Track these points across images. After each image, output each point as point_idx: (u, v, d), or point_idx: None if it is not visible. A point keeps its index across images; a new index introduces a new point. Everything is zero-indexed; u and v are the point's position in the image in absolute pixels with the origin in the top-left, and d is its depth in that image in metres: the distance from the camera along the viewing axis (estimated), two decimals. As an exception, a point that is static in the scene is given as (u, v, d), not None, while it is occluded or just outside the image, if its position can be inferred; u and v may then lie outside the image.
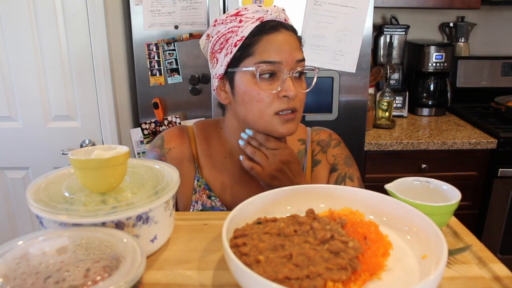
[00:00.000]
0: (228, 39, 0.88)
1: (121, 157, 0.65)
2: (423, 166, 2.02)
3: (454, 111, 2.45)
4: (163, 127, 1.85)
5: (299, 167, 0.93)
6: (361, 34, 1.75)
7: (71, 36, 1.75)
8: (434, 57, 2.30)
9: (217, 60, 0.91)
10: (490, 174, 2.04)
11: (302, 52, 0.90)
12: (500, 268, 0.64)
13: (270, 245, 0.57)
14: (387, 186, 0.74)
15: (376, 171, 2.02)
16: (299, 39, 0.92)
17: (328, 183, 1.03)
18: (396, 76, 2.40)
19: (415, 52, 2.39)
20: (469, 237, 0.73)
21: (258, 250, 0.56)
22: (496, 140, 1.99)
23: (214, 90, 0.95)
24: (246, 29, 0.86)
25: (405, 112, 2.38)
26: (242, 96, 0.88)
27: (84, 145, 1.86)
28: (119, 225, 0.60)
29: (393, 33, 2.34)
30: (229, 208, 0.98)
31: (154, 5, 1.71)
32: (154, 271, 0.64)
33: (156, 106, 1.81)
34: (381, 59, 2.38)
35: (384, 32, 2.34)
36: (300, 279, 0.51)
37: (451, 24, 2.47)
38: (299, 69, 0.88)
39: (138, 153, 1.91)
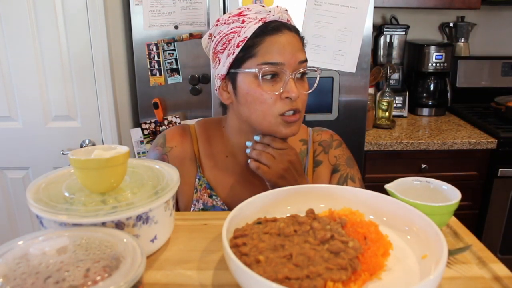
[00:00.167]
0: (230, 39, 0.87)
1: (121, 157, 0.65)
2: (423, 166, 2.02)
3: (454, 111, 2.45)
4: (163, 127, 1.85)
5: (302, 167, 0.93)
6: (361, 34, 1.75)
7: (71, 36, 1.75)
8: (434, 57, 2.30)
9: (219, 60, 0.90)
10: (490, 174, 2.04)
11: (305, 52, 0.90)
12: (500, 268, 0.64)
13: (270, 245, 0.57)
14: (387, 186, 0.74)
15: (376, 171, 2.02)
16: (302, 39, 0.91)
17: (330, 184, 1.03)
18: (396, 76, 2.40)
19: (415, 52, 2.38)
20: (469, 237, 0.73)
21: (258, 250, 0.56)
22: (496, 140, 1.98)
23: (216, 90, 0.95)
24: (248, 30, 0.85)
25: (405, 112, 2.38)
26: (245, 97, 0.88)
27: (84, 145, 1.86)
28: (119, 225, 0.60)
29: (393, 33, 2.34)
30: (230, 207, 0.98)
31: (154, 5, 1.71)
32: (154, 271, 0.64)
33: (156, 106, 1.81)
34: (381, 59, 2.38)
35: (384, 32, 2.34)
36: (300, 279, 0.51)
37: (451, 24, 2.47)
38: (301, 70, 0.87)
39: (138, 153, 1.91)
